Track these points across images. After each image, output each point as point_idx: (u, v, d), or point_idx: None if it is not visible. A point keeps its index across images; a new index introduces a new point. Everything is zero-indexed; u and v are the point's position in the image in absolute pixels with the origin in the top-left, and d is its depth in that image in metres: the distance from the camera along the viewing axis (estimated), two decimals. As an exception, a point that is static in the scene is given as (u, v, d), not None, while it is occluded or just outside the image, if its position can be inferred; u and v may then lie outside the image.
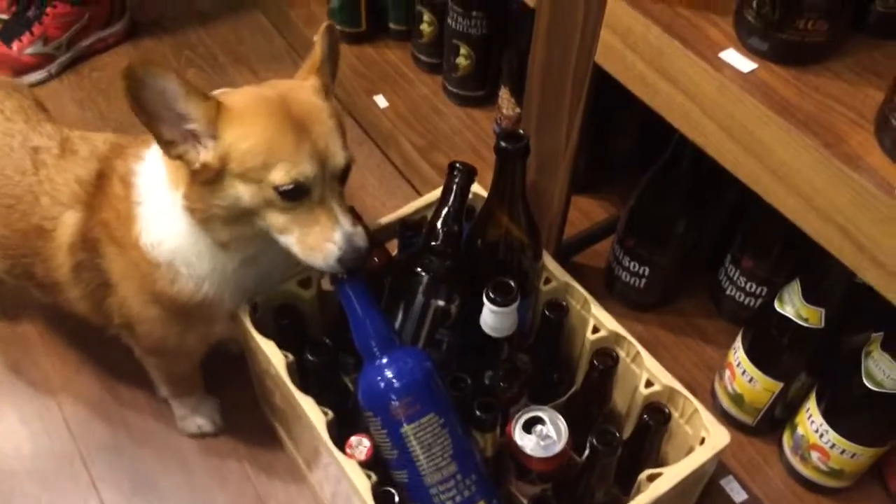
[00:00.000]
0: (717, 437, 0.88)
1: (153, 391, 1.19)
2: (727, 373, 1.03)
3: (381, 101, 1.49)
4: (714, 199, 1.09)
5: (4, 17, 1.75)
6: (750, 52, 0.73)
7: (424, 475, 0.84)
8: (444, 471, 0.84)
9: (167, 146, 0.81)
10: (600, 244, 1.28)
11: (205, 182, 0.83)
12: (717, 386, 1.07)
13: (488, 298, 0.87)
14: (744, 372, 0.99)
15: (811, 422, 0.94)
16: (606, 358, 0.94)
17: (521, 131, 0.89)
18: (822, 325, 0.89)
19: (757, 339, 0.97)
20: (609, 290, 1.20)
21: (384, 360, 0.84)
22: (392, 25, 1.57)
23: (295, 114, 0.82)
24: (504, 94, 1.34)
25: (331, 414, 0.89)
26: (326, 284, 1.04)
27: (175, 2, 1.87)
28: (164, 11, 1.85)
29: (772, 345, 0.95)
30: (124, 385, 1.24)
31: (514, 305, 0.87)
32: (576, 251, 1.26)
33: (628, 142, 1.32)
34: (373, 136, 1.54)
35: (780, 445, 1.03)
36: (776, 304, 0.92)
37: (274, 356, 0.93)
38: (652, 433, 0.91)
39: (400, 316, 0.94)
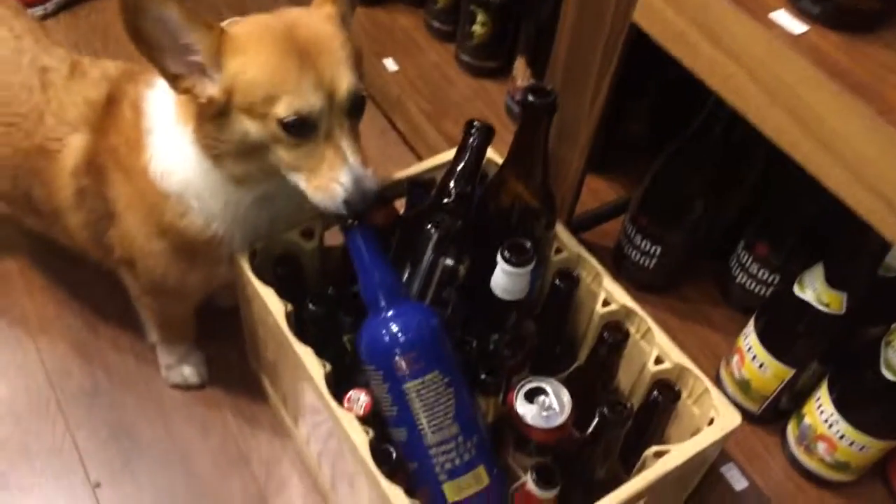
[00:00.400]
0: (727, 417, 0.85)
1: (138, 336, 1.15)
2: (735, 358, 1.01)
3: (390, 64, 1.45)
4: (733, 182, 1.07)
5: None
6: (801, 14, 0.70)
7: (424, 434, 0.80)
8: (446, 431, 0.80)
9: (173, 80, 0.77)
10: (608, 224, 1.25)
11: (212, 116, 0.79)
12: (722, 372, 1.05)
13: (503, 258, 0.83)
14: (754, 357, 0.96)
15: (820, 411, 0.92)
16: (616, 332, 0.91)
17: (550, 87, 0.85)
18: (843, 311, 0.87)
19: (771, 323, 0.94)
20: (616, 270, 1.17)
21: (390, 313, 0.81)
22: (407, -11, 1.53)
23: (301, 43, 0.77)
24: (520, 65, 1.30)
25: (329, 366, 0.85)
26: (329, 238, 1.01)
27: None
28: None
29: (787, 330, 0.92)
30: (107, 329, 1.19)
31: (529, 267, 0.84)
32: (584, 229, 1.23)
33: (642, 126, 1.29)
34: (379, 100, 1.50)
35: (783, 435, 1.01)
36: (796, 288, 0.90)
37: (273, 304, 0.89)
38: (660, 410, 0.88)
39: (407, 272, 0.91)
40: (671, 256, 1.09)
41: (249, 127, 0.79)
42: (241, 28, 0.79)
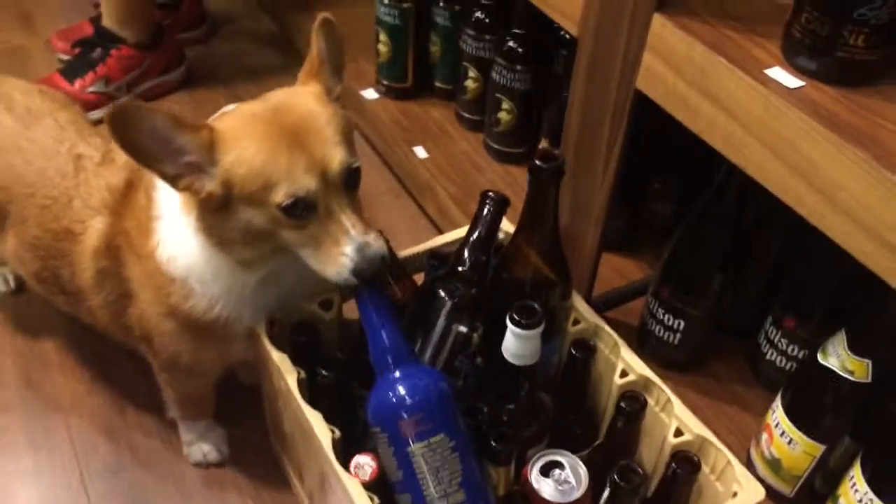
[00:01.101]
0: (750, 491, 0.81)
1: (163, 414, 1.15)
2: (764, 436, 0.96)
3: (420, 152, 1.49)
4: (754, 252, 1.05)
5: (66, 57, 1.83)
6: (797, 70, 0.71)
7: (429, 500, 0.78)
8: (451, 498, 0.78)
9: (172, 181, 0.80)
10: (633, 304, 1.24)
11: (214, 209, 0.82)
12: (752, 451, 1.00)
13: (512, 321, 0.83)
14: (783, 433, 0.92)
15: (854, 490, 0.86)
16: (634, 401, 0.88)
17: (557, 151, 0.87)
18: (869, 379, 0.83)
19: (798, 395, 0.91)
20: (641, 348, 1.14)
21: (397, 374, 0.80)
22: (438, 83, 1.59)
23: (289, 127, 0.79)
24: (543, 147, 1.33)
25: (338, 432, 0.84)
26: (347, 312, 1.02)
27: (227, 58, 1.95)
28: (217, 64, 1.92)
29: (814, 402, 0.88)
30: (134, 408, 1.21)
31: (538, 330, 0.83)
32: (608, 308, 1.22)
33: (668, 205, 1.29)
34: (409, 186, 1.53)
35: (820, 522, 0.95)
36: (819, 357, 0.87)
37: (286, 369, 0.89)
38: (680, 484, 0.84)
39: (419, 340, 0.91)
40: (695, 330, 1.07)
41: (251, 215, 0.81)
42: (229, 121, 0.82)
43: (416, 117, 1.59)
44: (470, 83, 1.47)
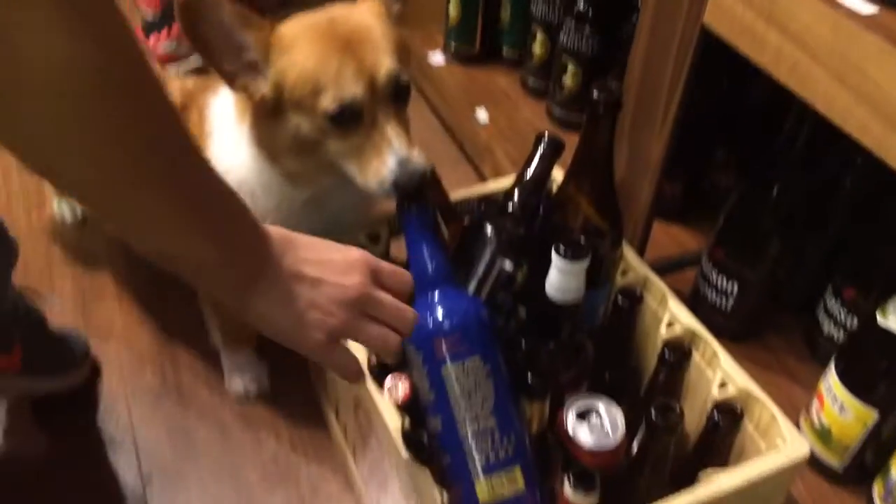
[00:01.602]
0: (794, 445, 0.78)
1: (207, 345, 1.17)
2: (815, 403, 0.92)
3: (482, 116, 1.49)
4: (815, 223, 1.01)
5: (149, 18, 1.88)
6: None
7: (459, 422, 0.76)
8: (482, 423, 0.77)
9: (229, 79, 0.82)
10: (686, 273, 1.20)
11: (266, 114, 0.84)
12: (802, 423, 0.96)
13: (557, 252, 0.81)
14: (834, 398, 0.88)
15: (909, 461, 0.82)
16: (677, 351, 0.86)
17: (615, 84, 0.85)
18: (932, 341, 0.79)
19: (853, 359, 0.87)
20: (693, 314, 1.11)
21: (436, 294, 0.79)
22: (506, 51, 1.58)
23: (342, 36, 0.81)
24: (607, 115, 1.31)
25: (374, 358, 0.84)
26: (395, 250, 1.02)
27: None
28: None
29: (870, 364, 0.84)
30: (181, 338, 1.22)
31: (584, 263, 0.81)
32: (661, 273, 1.19)
33: (729, 177, 1.25)
34: (469, 151, 1.53)
35: (869, 498, 0.90)
36: (878, 317, 0.83)
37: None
38: (721, 434, 0.81)
39: (463, 274, 0.90)
40: (749, 297, 1.03)
41: (300, 122, 0.82)
42: (287, 26, 0.83)
43: (480, 83, 1.58)
44: (537, 47, 1.46)
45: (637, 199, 1.01)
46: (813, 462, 0.94)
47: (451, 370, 0.77)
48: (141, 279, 1.30)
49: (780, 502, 0.83)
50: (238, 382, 1.14)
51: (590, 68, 1.36)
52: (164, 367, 1.19)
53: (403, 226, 0.84)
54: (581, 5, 1.31)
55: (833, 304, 1.00)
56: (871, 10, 0.67)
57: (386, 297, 0.66)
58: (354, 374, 0.67)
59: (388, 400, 0.80)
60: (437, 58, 1.63)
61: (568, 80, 1.38)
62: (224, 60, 0.80)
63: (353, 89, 0.79)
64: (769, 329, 1.11)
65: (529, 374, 0.81)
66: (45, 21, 0.41)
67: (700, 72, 0.87)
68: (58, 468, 1.06)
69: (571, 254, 0.80)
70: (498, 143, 1.42)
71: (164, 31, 1.76)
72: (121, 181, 0.49)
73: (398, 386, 0.80)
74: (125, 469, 1.06)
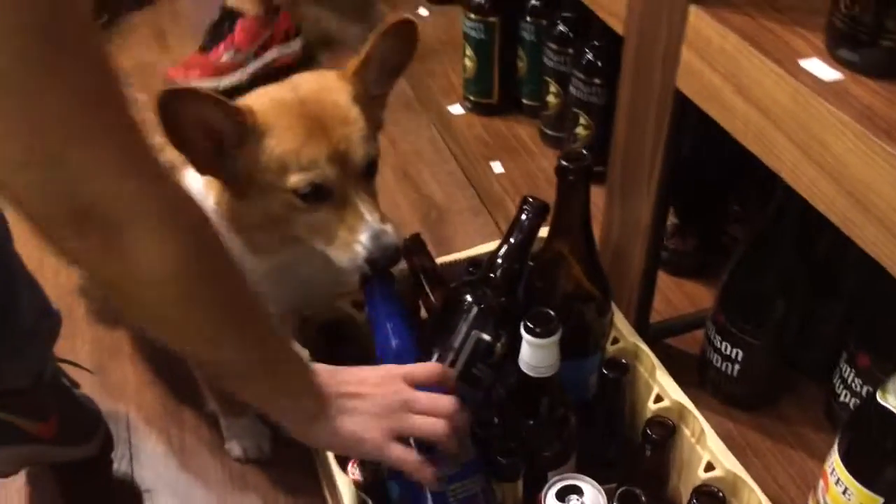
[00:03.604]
0: (780, 539, 0.72)
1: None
2: (821, 484, 0.86)
3: (497, 167, 1.47)
4: (829, 286, 0.95)
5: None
6: (839, 63, 0.64)
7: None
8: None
9: (200, 164, 0.81)
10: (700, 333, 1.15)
11: (235, 193, 0.83)
12: (810, 501, 0.89)
13: (525, 328, 0.78)
14: (838, 481, 0.81)
15: (916, 554, 0.75)
16: (661, 427, 0.81)
17: (584, 151, 0.82)
18: (935, 424, 0.72)
19: (855, 441, 0.80)
20: (701, 380, 1.06)
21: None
22: (525, 100, 1.56)
23: (313, 116, 0.80)
24: (619, 167, 1.27)
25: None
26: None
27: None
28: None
29: (872, 447, 0.78)
30: (189, 400, 1.23)
31: (554, 338, 0.77)
32: (673, 334, 1.14)
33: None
34: (486, 202, 1.51)
35: (881, 589, 0.83)
36: (878, 396, 0.76)
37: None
38: (699, 522, 0.76)
39: (440, 344, 0.87)
40: (755, 363, 0.97)
41: (270, 200, 0.82)
42: (259, 106, 0.81)
43: (498, 133, 1.56)
44: (551, 98, 1.43)
45: (631, 263, 0.97)
46: (821, 545, 0.87)
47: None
48: (153, 347, 1.31)
49: None
50: (237, 448, 1.13)
51: (601, 119, 1.32)
52: (168, 430, 1.20)
53: (366, 299, 0.83)
54: (588, 56, 1.28)
55: (847, 371, 0.94)
56: (833, 76, 0.62)
57: (421, 393, 0.75)
58: (415, 464, 0.73)
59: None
60: (456, 108, 1.62)
61: (580, 131, 1.35)
62: (198, 149, 0.79)
63: (325, 171, 0.79)
64: (786, 395, 1.05)
65: (499, 455, 0.78)
66: (159, 238, 0.56)
67: (709, 123, 0.83)
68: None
69: (540, 331, 0.77)
70: (510, 195, 1.40)
71: (221, 45, 1.83)
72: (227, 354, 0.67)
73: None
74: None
